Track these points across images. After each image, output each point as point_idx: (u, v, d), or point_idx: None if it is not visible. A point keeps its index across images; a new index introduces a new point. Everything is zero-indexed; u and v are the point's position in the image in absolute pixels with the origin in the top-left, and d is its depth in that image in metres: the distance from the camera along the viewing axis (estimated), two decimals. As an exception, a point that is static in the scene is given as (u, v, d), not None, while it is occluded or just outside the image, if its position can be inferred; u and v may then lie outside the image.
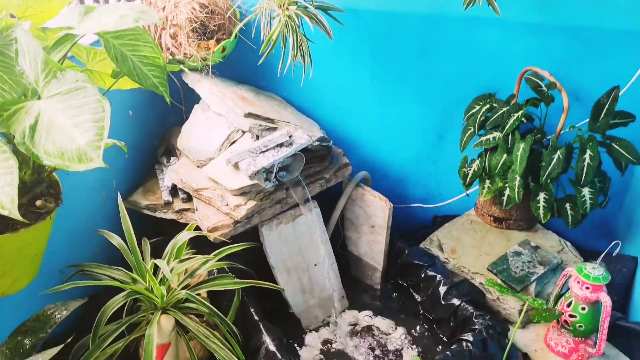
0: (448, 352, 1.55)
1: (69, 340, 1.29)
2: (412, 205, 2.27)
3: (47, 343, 1.52)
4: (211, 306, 1.52)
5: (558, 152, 1.70)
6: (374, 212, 1.93)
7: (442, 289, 1.79)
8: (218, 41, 1.87)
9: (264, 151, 1.68)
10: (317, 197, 1.89)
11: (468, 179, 1.92)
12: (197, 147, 1.83)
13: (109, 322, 1.48)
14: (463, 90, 1.94)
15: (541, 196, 1.77)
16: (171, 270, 1.51)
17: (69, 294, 1.58)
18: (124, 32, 1.05)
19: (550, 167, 1.70)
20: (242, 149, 1.69)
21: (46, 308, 1.25)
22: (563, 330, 1.66)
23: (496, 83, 1.90)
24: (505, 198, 1.85)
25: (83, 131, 0.84)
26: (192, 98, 1.97)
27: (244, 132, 1.80)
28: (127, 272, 1.55)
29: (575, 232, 1.95)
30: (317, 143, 1.80)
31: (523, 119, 1.76)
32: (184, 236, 1.60)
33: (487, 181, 1.89)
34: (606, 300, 1.55)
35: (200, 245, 1.77)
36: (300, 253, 1.85)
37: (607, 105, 1.71)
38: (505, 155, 1.79)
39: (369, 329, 1.86)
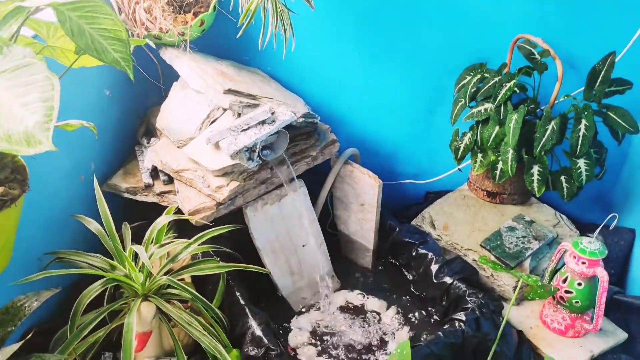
0: (440, 333, 1.51)
1: (28, 336, 1.24)
2: (403, 181, 2.21)
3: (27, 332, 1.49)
4: (194, 291, 1.47)
5: (552, 123, 1.64)
6: (363, 190, 1.88)
7: (434, 267, 1.74)
8: (196, 14, 1.78)
9: (246, 129, 1.61)
10: (304, 175, 1.83)
11: (460, 153, 1.87)
12: (176, 126, 1.76)
13: (92, 310, 1.45)
14: (453, 61, 1.87)
15: (535, 169, 1.71)
16: (151, 256, 1.46)
17: (49, 282, 1.54)
18: (81, 3, 0.97)
19: (544, 139, 1.64)
20: (223, 127, 1.62)
21: (16, 300, 1.19)
22: (559, 306, 1.62)
23: (488, 52, 1.83)
24: (498, 172, 1.79)
25: (31, 112, 0.77)
26: (173, 76, 1.89)
27: (224, 110, 1.73)
28: (105, 258, 1.50)
29: (571, 205, 1.90)
30: (302, 119, 1.73)
31: (516, 89, 1.70)
32: (162, 220, 1.54)
33: (480, 155, 1.84)
34: (603, 275, 1.50)
35: (185, 228, 1.72)
36: (287, 234, 1.80)
37: (602, 72, 1.65)
38: (497, 128, 1.73)
39: (360, 310, 1.82)
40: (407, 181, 2.21)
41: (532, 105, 1.74)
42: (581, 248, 1.52)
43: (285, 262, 1.81)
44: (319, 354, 1.66)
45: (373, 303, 1.83)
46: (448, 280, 1.69)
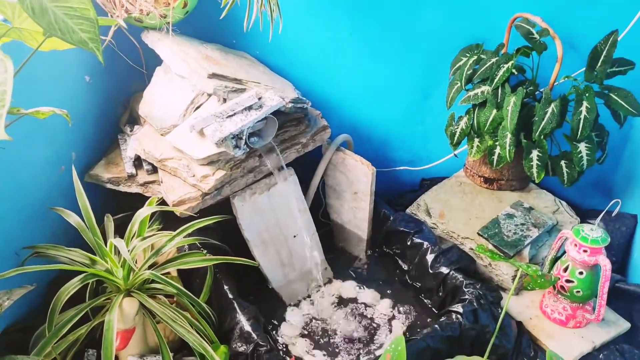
0: (436, 325, 1.45)
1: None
2: (397, 168, 2.16)
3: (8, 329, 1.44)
4: (179, 286, 1.41)
5: (552, 105, 1.57)
6: (356, 178, 1.81)
7: (430, 257, 1.69)
8: (178, -4, 1.70)
9: (231, 115, 1.53)
10: (295, 163, 1.77)
11: (456, 138, 1.81)
12: (159, 113, 1.69)
13: (76, 305, 1.38)
14: (449, 42, 1.81)
15: (534, 154, 1.65)
16: (132, 250, 1.39)
17: (27, 278, 1.48)
18: (44, -21, 0.89)
19: (543, 122, 1.58)
20: (207, 113, 1.54)
21: (-13, 298, 1.13)
22: (559, 296, 1.56)
23: (484, 32, 1.77)
24: (495, 157, 1.73)
25: (-18, 97, 0.70)
26: (156, 61, 1.82)
27: (209, 96, 1.65)
28: (86, 253, 1.43)
29: (571, 191, 1.85)
30: (291, 105, 1.66)
31: (513, 70, 1.64)
32: (143, 212, 1.47)
33: (476, 140, 1.78)
34: (605, 263, 1.45)
35: (171, 220, 1.65)
36: (277, 224, 1.73)
37: (604, 52, 1.59)
38: (494, 111, 1.67)
39: (353, 301, 1.76)
40: (402, 168, 2.16)
41: (531, 87, 1.68)
42: (583, 236, 1.46)
43: (276, 254, 1.74)
44: (312, 348, 1.60)
45: (367, 294, 1.78)
46: (444, 270, 1.64)
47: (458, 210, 1.85)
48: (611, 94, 1.60)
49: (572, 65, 1.71)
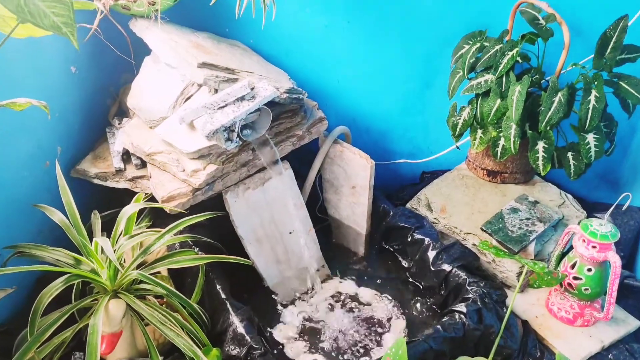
0: (439, 326, 1.39)
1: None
2: (397, 161, 2.11)
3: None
4: (168, 286, 1.34)
5: (559, 95, 1.52)
6: (354, 171, 1.76)
7: (431, 254, 1.63)
8: (167, -19, 1.63)
9: (223, 106, 1.47)
10: (290, 157, 1.71)
11: (458, 130, 1.76)
12: (148, 105, 1.62)
13: (59, 308, 1.32)
14: (450, 28, 1.76)
15: (540, 145, 1.59)
16: (118, 249, 1.33)
17: (11, 278, 1.42)
18: (13, -42, 0.82)
19: (550, 112, 1.52)
20: (198, 105, 1.48)
21: (-37, 303, 1.06)
22: (566, 293, 1.51)
23: (487, 18, 1.72)
24: (499, 149, 1.68)
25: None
26: (145, 50, 1.75)
27: (199, 86, 1.59)
28: (70, 252, 1.36)
29: (576, 183, 1.81)
30: (286, 95, 1.60)
31: (518, 58, 1.58)
32: (130, 209, 1.40)
33: (479, 131, 1.73)
34: (615, 260, 1.39)
35: (161, 217, 1.60)
36: (272, 221, 1.67)
37: (614, 38, 1.54)
38: (498, 101, 1.61)
39: (352, 300, 1.71)
40: (402, 161, 2.11)
41: (537, 76, 1.63)
42: (591, 231, 1.40)
43: (271, 251, 1.69)
44: (308, 350, 1.55)
45: (366, 293, 1.73)
46: (447, 267, 1.59)
47: (460, 205, 1.80)
48: (621, 82, 1.56)
49: (580, 53, 1.66)
